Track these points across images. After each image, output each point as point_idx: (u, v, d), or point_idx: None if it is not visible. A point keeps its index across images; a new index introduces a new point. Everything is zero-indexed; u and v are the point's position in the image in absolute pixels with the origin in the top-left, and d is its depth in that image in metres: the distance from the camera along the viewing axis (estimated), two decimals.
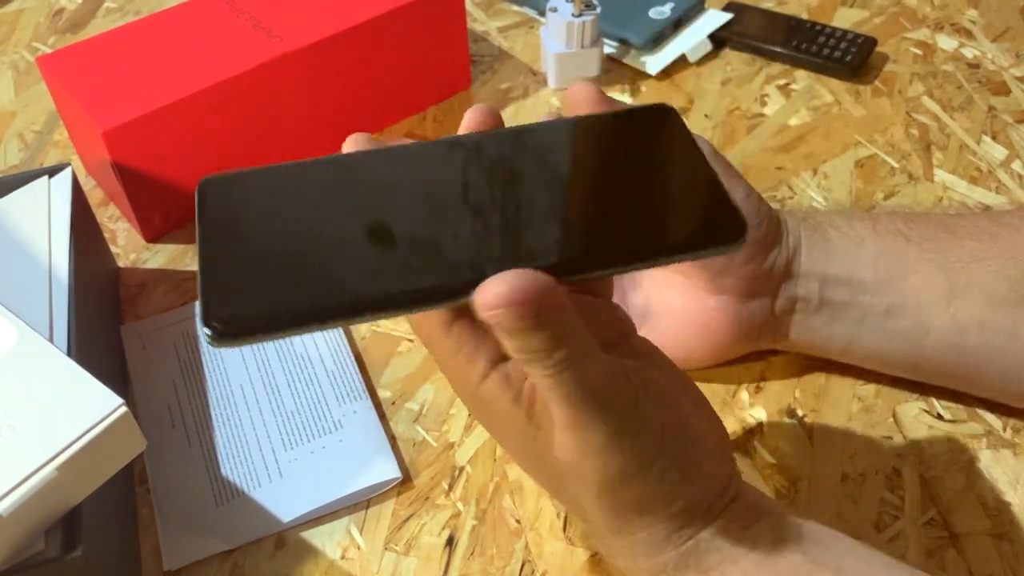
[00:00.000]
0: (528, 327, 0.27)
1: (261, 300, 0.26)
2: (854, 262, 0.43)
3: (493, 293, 0.26)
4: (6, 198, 0.50)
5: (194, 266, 0.57)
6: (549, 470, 0.32)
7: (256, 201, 0.29)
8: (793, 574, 0.32)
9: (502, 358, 0.31)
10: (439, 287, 0.27)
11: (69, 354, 0.40)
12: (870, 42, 0.70)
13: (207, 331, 0.25)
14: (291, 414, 0.47)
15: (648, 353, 0.34)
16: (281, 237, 0.28)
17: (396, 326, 0.52)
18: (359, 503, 0.44)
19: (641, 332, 0.36)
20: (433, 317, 0.31)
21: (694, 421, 0.33)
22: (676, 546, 0.32)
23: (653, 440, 0.30)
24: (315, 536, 0.43)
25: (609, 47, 0.72)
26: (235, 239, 0.28)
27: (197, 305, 0.28)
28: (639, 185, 0.30)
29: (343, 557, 0.42)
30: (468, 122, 0.33)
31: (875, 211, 0.47)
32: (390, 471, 0.44)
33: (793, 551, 0.32)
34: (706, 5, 0.74)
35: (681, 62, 0.71)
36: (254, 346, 0.50)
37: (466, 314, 0.30)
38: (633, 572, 0.34)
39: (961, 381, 0.45)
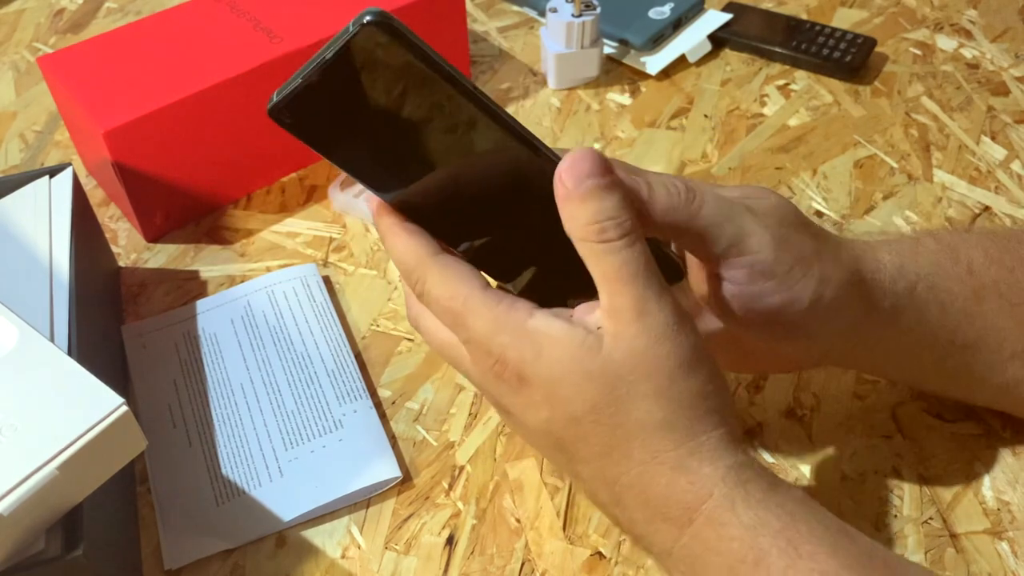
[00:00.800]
0: (607, 185, 0.32)
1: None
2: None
3: (574, 160, 0.32)
4: (7, 198, 0.50)
5: (195, 266, 0.57)
6: (613, 379, 0.32)
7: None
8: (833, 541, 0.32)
9: (538, 308, 0.34)
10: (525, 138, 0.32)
11: (70, 354, 0.40)
12: (869, 42, 0.70)
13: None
14: (291, 413, 0.47)
15: None
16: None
17: (396, 326, 0.52)
18: (359, 502, 0.44)
19: None
20: (473, 282, 0.34)
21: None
22: (735, 455, 0.33)
23: (698, 338, 0.33)
24: (315, 535, 0.43)
25: (609, 47, 0.72)
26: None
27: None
28: None
29: (343, 556, 0.42)
30: None
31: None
32: (390, 470, 0.44)
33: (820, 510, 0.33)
34: (706, 5, 0.74)
35: (681, 62, 0.71)
36: (254, 346, 0.51)
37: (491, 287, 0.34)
38: (691, 486, 0.33)
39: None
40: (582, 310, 0.34)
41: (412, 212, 0.34)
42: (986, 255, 0.40)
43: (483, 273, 0.35)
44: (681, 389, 0.32)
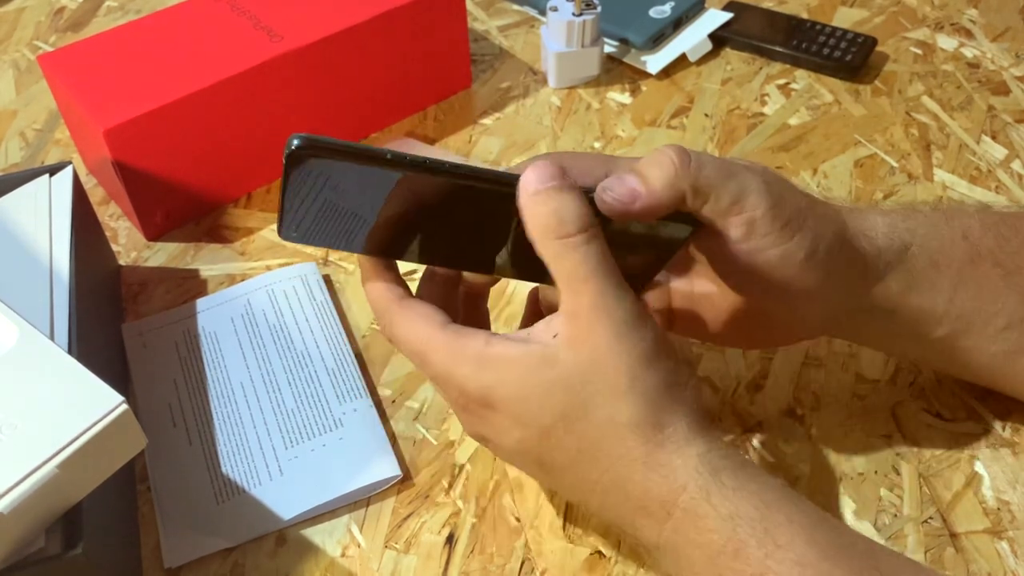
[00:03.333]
0: (563, 186, 0.33)
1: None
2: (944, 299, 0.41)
3: (534, 167, 0.33)
4: (7, 196, 0.50)
5: (195, 265, 0.57)
6: (573, 386, 0.33)
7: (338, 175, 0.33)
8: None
9: (493, 333, 0.35)
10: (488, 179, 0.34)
11: (70, 352, 0.40)
12: (870, 42, 0.70)
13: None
14: (291, 412, 0.47)
15: None
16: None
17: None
18: (359, 501, 0.44)
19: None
20: (431, 324, 0.35)
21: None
22: (709, 442, 0.33)
23: (659, 331, 0.34)
24: (315, 534, 0.43)
25: (609, 46, 0.72)
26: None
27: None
28: None
29: (343, 555, 0.42)
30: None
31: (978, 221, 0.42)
32: (390, 469, 0.44)
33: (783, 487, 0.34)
34: (706, 4, 0.74)
35: (681, 61, 0.71)
36: (255, 344, 0.51)
37: (451, 321, 0.36)
38: (664, 480, 0.33)
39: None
40: (539, 328, 0.34)
41: (394, 248, 0.37)
42: (982, 224, 0.41)
43: (467, 273, 0.39)
44: (644, 384, 0.33)
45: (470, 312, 0.41)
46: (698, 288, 0.42)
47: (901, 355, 0.48)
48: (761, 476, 0.34)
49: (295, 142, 0.31)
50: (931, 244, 0.40)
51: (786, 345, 0.49)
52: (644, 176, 0.34)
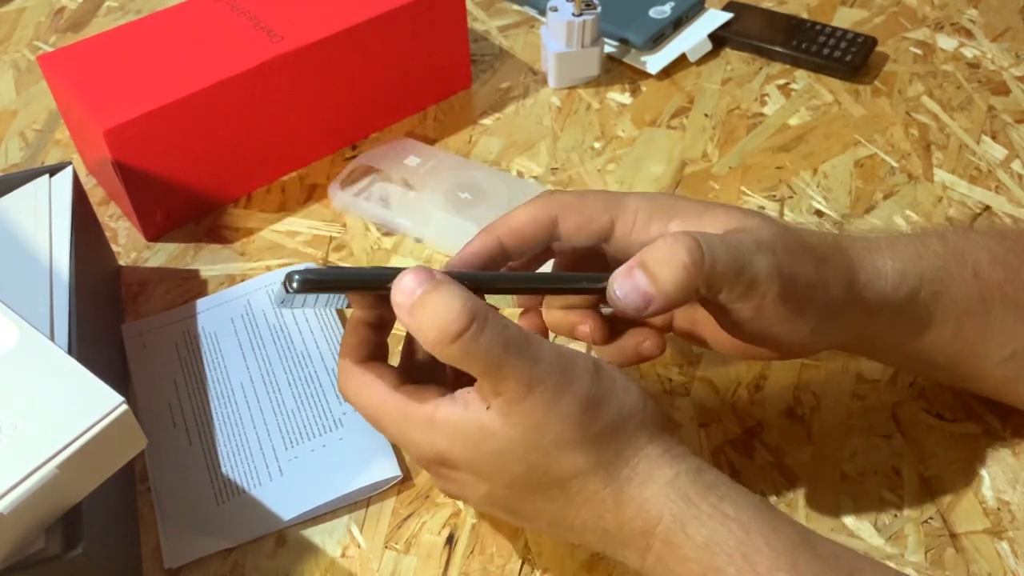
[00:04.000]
0: (433, 287, 0.32)
1: None
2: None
3: (397, 284, 0.32)
4: (7, 197, 0.50)
5: (195, 265, 0.57)
6: (524, 454, 0.33)
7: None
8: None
9: (445, 392, 0.34)
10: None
11: (70, 352, 0.40)
12: (870, 42, 0.70)
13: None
14: (291, 412, 0.47)
15: None
16: None
17: (396, 326, 0.52)
18: (359, 501, 0.44)
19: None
20: (383, 387, 0.35)
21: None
22: (676, 465, 0.33)
23: (593, 372, 0.33)
24: (315, 534, 0.43)
25: (609, 46, 0.72)
26: None
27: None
28: None
29: (343, 555, 0.42)
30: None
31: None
32: (390, 469, 0.44)
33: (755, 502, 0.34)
34: (706, 5, 0.74)
35: (681, 61, 0.71)
36: (255, 345, 0.51)
37: (403, 383, 0.36)
38: (639, 513, 0.33)
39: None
40: (473, 395, 0.33)
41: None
42: (991, 256, 0.40)
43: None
44: (593, 430, 0.33)
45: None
46: (700, 315, 0.41)
47: (901, 368, 0.48)
48: (736, 495, 0.33)
49: (294, 279, 0.32)
50: (940, 287, 0.39)
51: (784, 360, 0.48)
52: (655, 276, 0.33)
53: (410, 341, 0.39)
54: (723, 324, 0.37)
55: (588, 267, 0.40)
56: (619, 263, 0.35)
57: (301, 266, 0.34)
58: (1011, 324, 0.40)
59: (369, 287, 0.33)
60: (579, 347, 0.43)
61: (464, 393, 0.34)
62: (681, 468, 0.33)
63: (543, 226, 0.38)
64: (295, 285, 0.32)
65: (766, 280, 0.34)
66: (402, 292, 0.32)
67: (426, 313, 0.31)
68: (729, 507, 0.32)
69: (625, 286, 0.34)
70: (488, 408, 0.33)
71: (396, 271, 0.32)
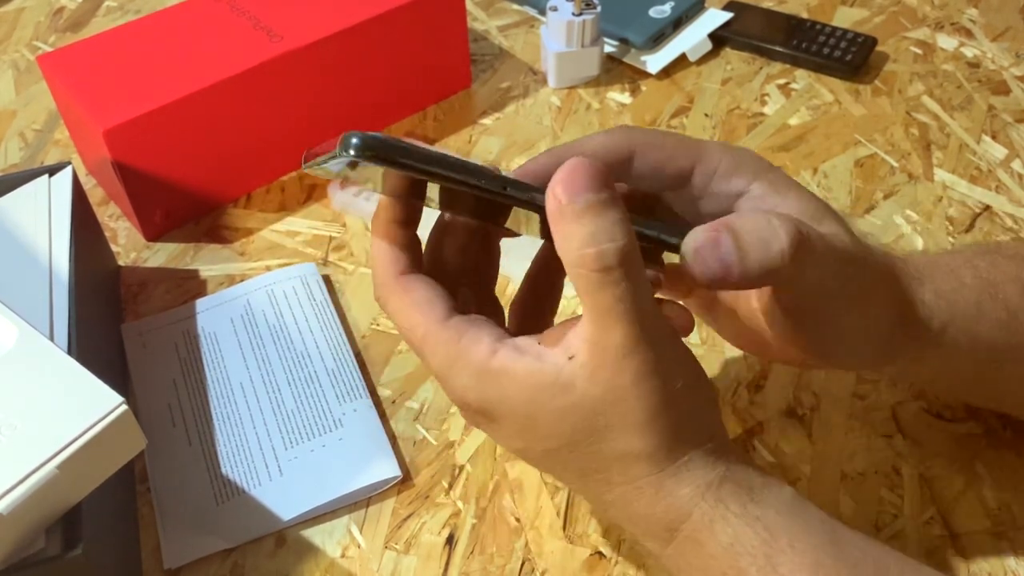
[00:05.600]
0: (606, 200, 0.28)
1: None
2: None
3: (568, 171, 0.29)
4: (7, 197, 0.50)
5: (194, 265, 0.57)
6: (589, 414, 0.31)
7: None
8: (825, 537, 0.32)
9: (503, 336, 0.32)
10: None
11: (69, 353, 0.40)
12: (870, 41, 0.70)
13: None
14: (291, 412, 0.47)
15: None
16: None
17: None
18: (359, 502, 0.44)
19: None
20: (430, 315, 0.32)
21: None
22: (717, 468, 0.32)
23: (690, 371, 0.32)
24: (315, 535, 0.43)
25: (609, 46, 0.72)
26: None
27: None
28: None
29: (343, 556, 0.42)
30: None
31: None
32: (390, 470, 0.44)
33: (812, 513, 0.32)
34: (706, 4, 0.74)
35: (681, 61, 0.71)
36: (254, 345, 0.50)
37: (456, 312, 0.32)
38: (670, 508, 0.32)
39: None
40: (552, 336, 0.32)
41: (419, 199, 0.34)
42: (1020, 288, 0.38)
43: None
44: (663, 422, 0.31)
45: (485, 276, 0.37)
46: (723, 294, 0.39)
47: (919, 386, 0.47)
48: (768, 493, 0.32)
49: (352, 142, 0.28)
50: (970, 325, 0.37)
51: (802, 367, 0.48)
52: (745, 251, 0.31)
53: (440, 234, 0.36)
54: (744, 313, 0.36)
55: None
56: (691, 214, 0.33)
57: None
58: None
59: (456, 179, 0.29)
60: None
61: (531, 343, 0.31)
62: (721, 469, 0.32)
63: (619, 159, 0.34)
64: (352, 150, 0.28)
65: (829, 294, 0.33)
66: (568, 188, 0.28)
67: (585, 227, 0.28)
68: (758, 507, 0.32)
69: (706, 248, 0.31)
70: (571, 359, 0.30)
71: (481, 168, 0.29)
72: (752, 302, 0.36)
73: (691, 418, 0.32)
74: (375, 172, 0.30)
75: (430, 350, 0.32)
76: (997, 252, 0.40)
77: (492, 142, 0.65)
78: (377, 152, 0.28)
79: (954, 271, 0.38)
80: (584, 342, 0.30)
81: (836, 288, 0.33)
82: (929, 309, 0.37)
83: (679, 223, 0.34)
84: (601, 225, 0.28)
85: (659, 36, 0.71)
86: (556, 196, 0.29)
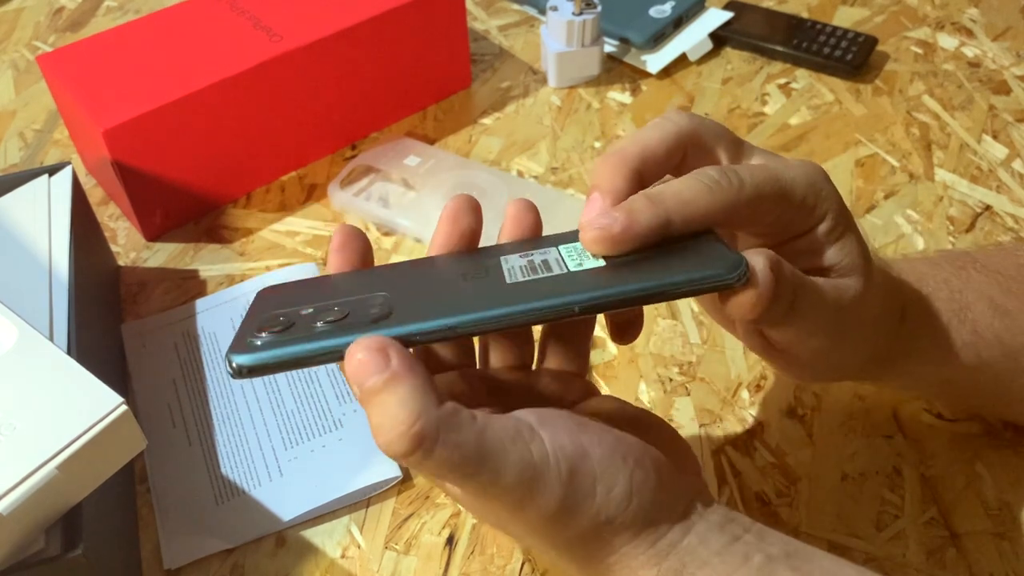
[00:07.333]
0: (384, 383, 0.27)
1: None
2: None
3: (348, 357, 0.27)
4: (6, 197, 0.50)
5: (194, 265, 0.57)
6: (495, 523, 0.32)
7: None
8: None
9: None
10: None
11: (69, 353, 0.39)
12: (871, 41, 0.70)
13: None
14: (291, 413, 0.47)
15: (599, 412, 0.33)
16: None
17: None
18: (359, 502, 0.44)
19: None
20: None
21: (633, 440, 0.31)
22: (656, 562, 0.30)
23: (576, 472, 0.29)
24: (315, 535, 0.43)
25: (609, 46, 0.72)
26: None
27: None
28: None
29: (343, 556, 0.42)
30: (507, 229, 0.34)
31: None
32: (390, 470, 0.44)
33: (786, 568, 0.30)
34: (706, 4, 0.74)
35: (681, 61, 0.71)
36: None
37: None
38: None
39: None
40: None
41: None
42: (991, 306, 0.39)
43: None
44: (566, 536, 0.30)
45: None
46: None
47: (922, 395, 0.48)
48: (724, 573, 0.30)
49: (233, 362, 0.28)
50: (942, 342, 0.39)
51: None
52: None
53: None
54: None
55: None
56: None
57: (268, 288, 0.31)
58: (1006, 374, 0.40)
59: (321, 361, 0.28)
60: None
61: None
62: (662, 567, 0.30)
63: (669, 156, 0.33)
64: (233, 368, 0.28)
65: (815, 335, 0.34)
66: (352, 374, 0.27)
67: (374, 411, 0.27)
68: None
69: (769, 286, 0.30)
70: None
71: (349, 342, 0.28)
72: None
73: (601, 525, 0.30)
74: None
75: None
76: (972, 265, 0.40)
77: (492, 142, 0.65)
78: (255, 370, 0.28)
79: (959, 299, 0.39)
80: None
81: (820, 332, 0.34)
82: (908, 335, 0.38)
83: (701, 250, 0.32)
84: (379, 410, 0.27)
85: (659, 36, 0.71)
86: (351, 379, 0.28)
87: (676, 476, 0.31)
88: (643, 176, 0.32)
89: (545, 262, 0.31)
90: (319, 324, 0.28)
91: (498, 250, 0.33)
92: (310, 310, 0.29)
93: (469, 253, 0.34)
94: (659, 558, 0.30)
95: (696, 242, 0.31)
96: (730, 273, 0.29)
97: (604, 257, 0.31)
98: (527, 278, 0.30)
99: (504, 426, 0.29)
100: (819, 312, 0.33)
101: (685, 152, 0.34)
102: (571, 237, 0.33)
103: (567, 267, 0.31)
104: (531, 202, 0.35)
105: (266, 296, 0.32)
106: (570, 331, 0.36)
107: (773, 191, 0.32)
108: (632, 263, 0.30)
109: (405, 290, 0.31)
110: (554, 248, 0.32)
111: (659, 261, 0.30)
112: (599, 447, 0.30)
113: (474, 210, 0.34)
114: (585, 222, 0.31)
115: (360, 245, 0.34)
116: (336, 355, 0.28)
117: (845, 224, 0.34)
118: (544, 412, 0.30)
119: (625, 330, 0.35)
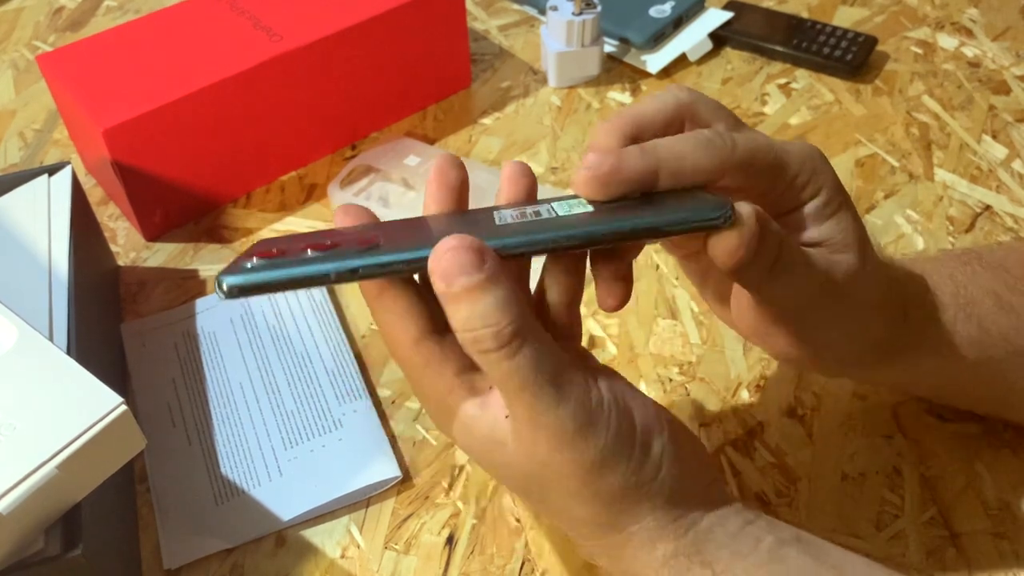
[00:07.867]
0: (479, 284, 0.28)
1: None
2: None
3: (440, 253, 0.28)
4: (6, 196, 0.50)
5: (194, 265, 0.57)
6: (525, 475, 0.31)
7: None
8: (801, 573, 0.31)
9: (467, 369, 0.32)
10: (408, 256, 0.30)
11: (69, 353, 0.39)
12: (871, 41, 0.70)
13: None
14: (291, 413, 0.47)
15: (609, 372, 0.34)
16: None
17: None
18: (359, 502, 0.44)
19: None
20: (404, 334, 0.32)
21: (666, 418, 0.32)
22: (675, 537, 0.31)
23: (622, 426, 0.30)
24: (315, 535, 0.43)
25: (609, 46, 0.72)
26: None
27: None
28: None
29: (343, 556, 0.42)
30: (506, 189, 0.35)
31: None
32: (390, 470, 0.44)
33: (798, 551, 0.31)
34: (706, 4, 0.74)
35: (681, 61, 0.71)
36: (254, 345, 0.50)
37: (432, 333, 0.32)
38: (627, 573, 0.33)
39: None
40: (495, 397, 0.31)
41: None
42: (997, 303, 0.39)
43: None
44: (595, 488, 0.30)
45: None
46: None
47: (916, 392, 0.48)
48: (735, 563, 0.31)
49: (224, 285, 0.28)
50: (948, 340, 0.39)
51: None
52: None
53: None
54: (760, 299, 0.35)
55: None
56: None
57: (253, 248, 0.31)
58: (1012, 372, 0.40)
59: (312, 282, 0.29)
60: None
61: (485, 386, 0.32)
62: (680, 543, 0.31)
63: (669, 123, 0.34)
64: (224, 290, 0.28)
65: (807, 307, 0.34)
66: (441, 275, 0.28)
67: (461, 310, 0.28)
68: None
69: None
70: (506, 416, 0.31)
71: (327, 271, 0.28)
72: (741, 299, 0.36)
73: (636, 487, 0.30)
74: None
75: (402, 368, 0.33)
76: (978, 261, 0.40)
77: (492, 142, 0.65)
78: (246, 290, 0.28)
79: (936, 288, 0.39)
80: (505, 407, 0.31)
81: (811, 305, 0.34)
82: (914, 327, 0.38)
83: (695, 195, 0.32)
84: (476, 310, 0.28)
85: (659, 36, 0.71)
86: (436, 277, 0.28)
87: (700, 458, 0.33)
88: (639, 142, 0.33)
89: (536, 212, 0.32)
90: (310, 252, 0.29)
91: (491, 208, 0.34)
92: (302, 243, 0.30)
93: (462, 212, 0.35)
94: (678, 533, 0.31)
95: (685, 192, 0.32)
96: (715, 212, 0.30)
97: (595, 204, 0.32)
98: (517, 222, 0.31)
99: (574, 360, 0.30)
100: (807, 279, 0.33)
101: (682, 125, 0.35)
102: (565, 198, 0.33)
103: (556, 213, 0.32)
104: (526, 165, 0.35)
105: (263, 240, 0.33)
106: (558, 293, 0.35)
107: (765, 160, 0.33)
108: (621, 207, 0.31)
109: (396, 231, 0.32)
110: (547, 204, 0.33)
111: (648, 206, 0.31)
112: (642, 412, 0.31)
113: (459, 166, 0.35)
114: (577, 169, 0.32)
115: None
116: (327, 278, 0.29)
117: (840, 202, 0.35)
118: (600, 366, 0.33)
119: (612, 288, 0.33)
